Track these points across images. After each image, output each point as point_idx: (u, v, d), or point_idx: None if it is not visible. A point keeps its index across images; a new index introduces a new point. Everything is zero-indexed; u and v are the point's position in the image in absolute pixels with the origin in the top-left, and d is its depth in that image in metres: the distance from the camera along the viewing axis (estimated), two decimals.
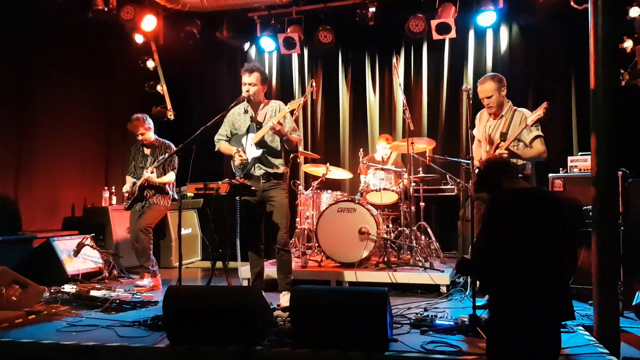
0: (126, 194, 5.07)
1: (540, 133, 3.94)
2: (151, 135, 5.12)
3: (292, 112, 4.17)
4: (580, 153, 5.32)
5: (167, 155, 4.97)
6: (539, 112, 3.72)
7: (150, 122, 5.13)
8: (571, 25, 5.93)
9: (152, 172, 4.92)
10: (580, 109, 6.07)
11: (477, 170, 3.02)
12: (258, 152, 4.17)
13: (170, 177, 5.09)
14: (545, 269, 2.45)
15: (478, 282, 3.56)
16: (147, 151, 5.16)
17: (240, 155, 4.16)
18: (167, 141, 5.19)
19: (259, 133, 4.14)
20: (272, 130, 3.99)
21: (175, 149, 5.10)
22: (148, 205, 5.02)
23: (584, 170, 5.05)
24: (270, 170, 4.18)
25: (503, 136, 3.94)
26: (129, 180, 5.14)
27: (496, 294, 2.54)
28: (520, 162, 3.96)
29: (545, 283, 2.45)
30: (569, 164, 5.19)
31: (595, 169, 3.29)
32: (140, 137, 5.06)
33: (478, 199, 4.01)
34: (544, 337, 2.42)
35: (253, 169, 4.20)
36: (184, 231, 6.64)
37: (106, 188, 6.39)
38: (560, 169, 5.18)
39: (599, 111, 3.21)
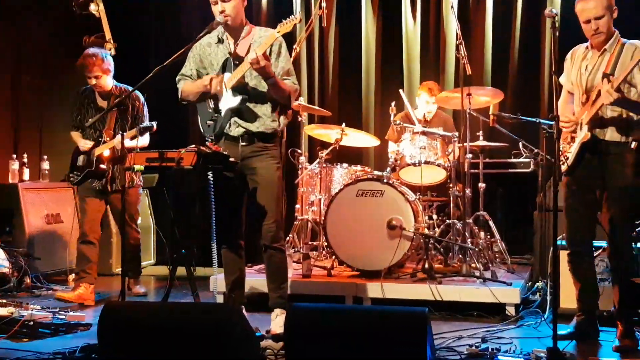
0: (81, 160, 5.19)
1: None
2: (109, 81, 5.23)
3: (291, 51, 4.11)
4: None
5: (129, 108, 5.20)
6: None
7: (110, 62, 5.25)
8: None
9: (131, 138, 5.01)
10: None
11: (633, 143, 2.89)
12: (236, 101, 4.11)
13: (146, 140, 5.27)
14: None
15: None
16: (102, 103, 5.24)
17: (215, 79, 4.13)
18: (130, 88, 5.26)
19: (236, 72, 4.09)
20: (253, 65, 3.94)
21: (143, 101, 5.27)
22: (118, 188, 5.22)
23: None
24: (254, 128, 4.15)
25: (606, 78, 3.85)
26: (78, 136, 5.30)
27: None
28: (634, 117, 3.89)
29: None
30: None
31: None
32: (94, 82, 5.18)
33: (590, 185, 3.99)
34: None
35: (228, 126, 4.17)
36: None
37: (15, 157, 6.39)
38: None
39: None
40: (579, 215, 4.07)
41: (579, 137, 3.98)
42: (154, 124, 4.99)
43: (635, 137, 3.15)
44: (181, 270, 4.12)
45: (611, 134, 3.91)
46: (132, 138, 5.03)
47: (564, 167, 4.07)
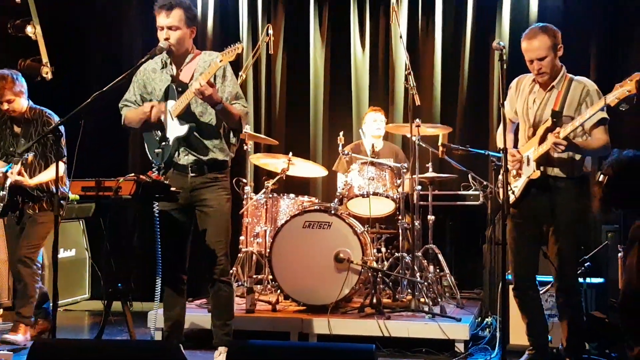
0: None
1: (606, 116, 4.00)
2: (23, 104, 5.07)
3: (237, 77, 4.14)
4: None
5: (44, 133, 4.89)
6: (628, 87, 3.70)
7: (22, 84, 5.08)
8: None
9: (19, 174, 4.87)
10: None
11: (601, 177, 2.99)
12: (183, 129, 4.10)
13: (52, 172, 4.90)
14: None
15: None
16: (16, 129, 5.11)
17: (155, 107, 4.09)
18: (46, 110, 5.15)
19: (181, 100, 4.08)
20: (198, 94, 3.94)
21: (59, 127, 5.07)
22: (30, 218, 5.04)
23: None
24: (204, 157, 4.13)
25: (555, 116, 3.96)
26: None
27: None
28: (577, 157, 4.03)
29: None
30: None
31: None
32: (6, 107, 5.02)
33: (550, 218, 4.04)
34: None
35: (177, 154, 4.14)
36: (63, 254, 6.53)
37: None
38: None
39: None
40: (523, 249, 4.12)
41: (526, 173, 4.05)
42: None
43: (604, 171, 3.24)
44: (117, 306, 4.04)
45: (559, 170, 4.00)
46: (22, 172, 4.93)
47: (511, 199, 4.09)
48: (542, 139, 3.99)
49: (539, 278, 4.33)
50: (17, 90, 5.01)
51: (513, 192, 4.04)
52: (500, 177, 4.07)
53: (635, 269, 2.75)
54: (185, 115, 4.11)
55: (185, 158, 4.13)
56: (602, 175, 3.25)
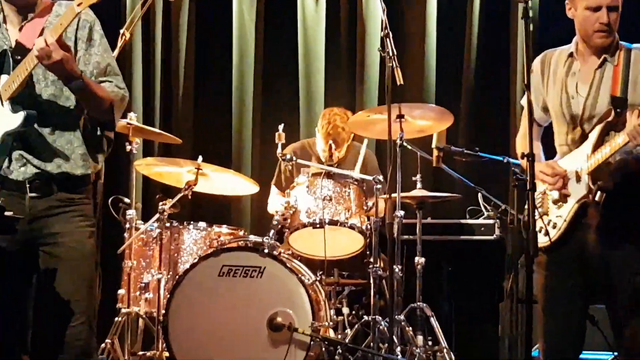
0: None
1: None
2: None
3: (116, 37, 4.18)
4: None
5: None
6: None
7: None
8: None
9: None
10: None
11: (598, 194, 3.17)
12: (16, 120, 3.99)
13: None
14: None
15: None
16: None
17: None
18: None
19: (16, 72, 3.98)
20: (42, 60, 3.83)
21: None
22: None
23: None
24: (52, 168, 4.05)
25: (618, 104, 3.96)
26: None
27: None
28: None
29: None
30: None
31: None
32: None
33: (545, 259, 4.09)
34: None
35: (8, 162, 4.04)
36: None
37: None
38: None
39: None
40: (561, 309, 4.16)
41: (576, 196, 4.05)
42: None
43: (603, 185, 3.60)
44: None
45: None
46: None
47: (544, 240, 4.12)
48: (599, 142, 3.99)
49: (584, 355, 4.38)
50: None
51: (554, 227, 4.08)
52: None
53: None
54: (25, 99, 4.01)
55: (20, 170, 4.03)
56: (598, 192, 3.65)
